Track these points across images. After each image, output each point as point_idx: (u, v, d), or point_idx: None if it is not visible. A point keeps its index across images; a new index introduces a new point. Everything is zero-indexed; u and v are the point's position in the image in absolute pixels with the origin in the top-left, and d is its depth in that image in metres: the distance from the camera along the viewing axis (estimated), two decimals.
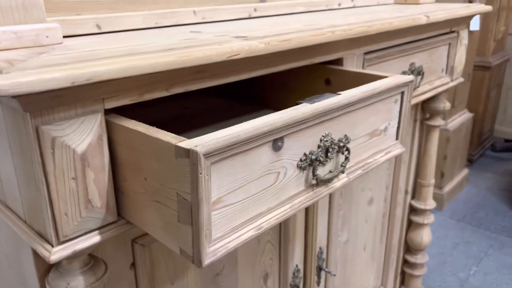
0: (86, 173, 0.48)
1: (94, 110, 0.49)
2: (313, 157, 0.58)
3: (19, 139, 0.47)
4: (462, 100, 2.44)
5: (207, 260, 0.46)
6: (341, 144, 0.62)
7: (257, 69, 0.65)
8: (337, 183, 0.64)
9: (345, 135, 0.63)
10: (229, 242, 0.49)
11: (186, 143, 0.43)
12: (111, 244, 0.62)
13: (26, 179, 0.49)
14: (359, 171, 0.68)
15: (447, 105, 1.28)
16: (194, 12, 0.77)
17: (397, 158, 1.30)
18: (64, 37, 0.63)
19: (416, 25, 0.92)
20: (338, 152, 0.63)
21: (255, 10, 0.87)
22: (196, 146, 0.42)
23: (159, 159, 0.46)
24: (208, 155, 0.43)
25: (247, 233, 0.51)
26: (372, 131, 0.69)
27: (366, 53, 0.87)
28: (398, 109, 0.74)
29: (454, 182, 2.46)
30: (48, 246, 0.49)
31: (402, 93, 0.74)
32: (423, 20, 0.94)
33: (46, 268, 0.56)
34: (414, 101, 1.07)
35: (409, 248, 1.47)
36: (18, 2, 0.51)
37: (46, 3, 0.60)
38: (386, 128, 0.73)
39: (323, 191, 0.61)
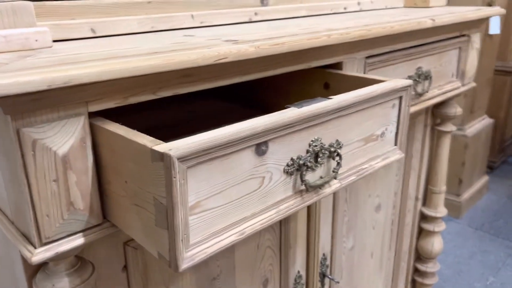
0: (68, 175, 0.49)
1: (77, 113, 0.49)
2: (301, 162, 0.57)
3: (2, 140, 0.48)
4: (481, 106, 2.38)
5: (184, 265, 0.46)
6: (332, 149, 0.61)
7: (250, 73, 0.65)
8: (328, 189, 0.62)
9: (337, 140, 0.62)
10: (208, 247, 0.48)
11: (161, 146, 0.43)
12: (103, 247, 0.63)
13: (11, 180, 0.50)
14: (352, 177, 0.66)
15: (458, 110, 1.25)
16: (192, 16, 0.77)
17: (406, 164, 1.27)
18: (58, 41, 0.64)
19: (420, 29, 0.90)
20: (329, 157, 0.62)
21: (255, 14, 0.87)
22: (170, 149, 0.42)
23: (136, 162, 0.46)
24: (183, 159, 0.43)
25: (229, 238, 0.51)
26: (367, 136, 0.68)
27: (368, 57, 0.86)
28: (396, 114, 0.73)
29: (473, 189, 2.40)
30: (31, 247, 0.49)
31: (400, 97, 0.72)
32: (428, 24, 0.92)
33: (34, 269, 0.57)
34: (422, 106, 1.05)
35: (420, 256, 1.44)
36: (7, 7, 0.52)
37: (39, 7, 0.62)
38: (383, 133, 0.71)
39: (313, 196, 0.60)
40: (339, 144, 0.63)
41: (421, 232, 1.41)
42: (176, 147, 0.43)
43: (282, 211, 0.57)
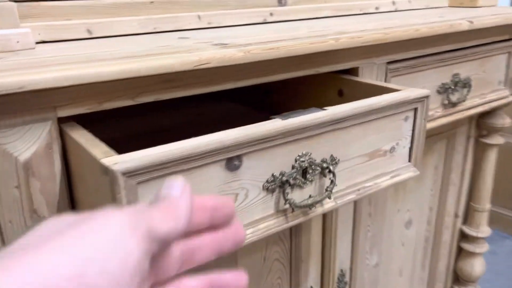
0: (30, 182, 0.47)
1: (44, 118, 0.47)
2: (284, 178, 0.52)
3: None
4: None
5: None
6: (324, 166, 0.56)
7: (243, 78, 0.60)
8: (319, 209, 0.57)
9: (331, 156, 0.57)
10: None
11: (109, 159, 0.40)
12: None
13: None
14: (351, 196, 0.60)
15: (506, 121, 1.13)
16: (199, 17, 0.74)
17: (444, 178, 1.17)
18: (51, 42, 0.63)
19: (454, 32, 0.81)
20: (321, 174, 0.56)
21: (271, 14, 0.83)
22: (116, 163, 0.39)
23: (92, 173, 0.44)
24: (131, 173, 0.40)
25: None
26: (372, 151, 0.62)
27: (390, 63, 0.78)
28: (410, 128, 0.66)
29: None
30: None
31: (415, 109, 0.65)
32: (464, 26, 0.83)
33: None
34: (458, 116, 0.96)
35: (459, 278, 1.32)
36: None
37: (34, 8, 0.61)
38: (393, 148, 0.64)
39: (299, 216, 0.55)
40: (334, 159, 0.57)
41: (461, 252, 1.30)
42: (124, 160, 0.40)
43: (261, 230, 0.52)
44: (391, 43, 0.73)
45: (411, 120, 0.65)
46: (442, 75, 0.90)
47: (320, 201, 0.56)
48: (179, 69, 0.51)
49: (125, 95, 0.52)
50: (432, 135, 1.07)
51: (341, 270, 1.00)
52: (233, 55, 0.54)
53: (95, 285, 0.20)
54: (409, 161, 0.68)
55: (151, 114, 0.92)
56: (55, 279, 0.19)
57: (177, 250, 0.28)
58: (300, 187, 0.55)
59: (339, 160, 0.58)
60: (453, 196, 1.21)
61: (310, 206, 0.55)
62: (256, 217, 0.52)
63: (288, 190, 0.53)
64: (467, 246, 1.26)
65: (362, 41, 0.67)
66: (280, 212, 0.54)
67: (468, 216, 1.27)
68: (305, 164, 0.54)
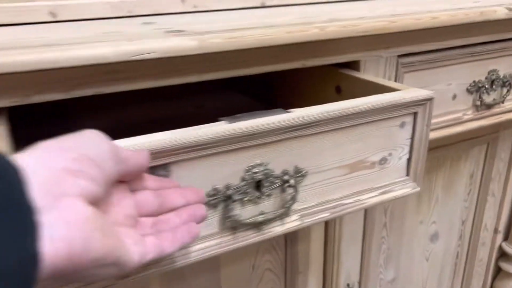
0: None
1: None
2: (229, 192, 0.44)
3: None
4: None
5: None
6: (286, 178, 0.47)
7: (208, 71, 0.53)
8: (278, 228, 0.49)
9: (296, 167, 0.48)
10: None
11: None
12: None
13: None
14: (324, 214, 0.51)
15: None
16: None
17: (482, 188, 1.03)
18: (13, 25, 0.59)
19: (486, 20, 0.68)
20: (282, 187, 0.48)
21: None
22: None
23: None
24: None
25: None
26: (354, 162, 0.52)
27: (401, 56, 0.67)
28: (408, 136, 0.55)
29: None
30: None
31: (415, 114, 0.54)
32: (500, 14, 0.69)
33: None
34: (494, 120, 0.82)
35: None
36: None
37: None
38: (384, 159, 0.54)
39: (250, 236, 0.47)
40: (300, 171, 0.48)
41: (499, 272, 1.15)
42: None
43: (196, 253, 0.45)
44: (401, 33, 0.62)
45: (409, 127, 0.54)
46: (474, 71, 0.77)
47: (274, 219, 0.47)
48: (115, 60, 0.44)
49: (56, 87, 0.46)
50: (468, 139, 0.93)
51: (348, 285, 0.90)
52: (184, 44, 0.47)
53: (93, 159, 0.31)
54: (407, 174, 0.57)
55: (149, 104, 0.87)
56: (67, 157, 0.30)
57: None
58: (255, 202, 0.47)
59: (307, 172, 0.49)
60: (493, 209, 1.06)
61: (260, 224, 0.46)
62: None
63: (234, 205, 0.45)
64: (505, 265, 1.11)
65: (358, 30, 0.57)
66: (226, 230, 0.46)
67: (510, 232, 1.11)
68: (259, 176, 0.45)
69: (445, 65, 0.73)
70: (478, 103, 0.78)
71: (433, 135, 0.74)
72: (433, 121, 0.77)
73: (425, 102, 0.53)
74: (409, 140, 0.55)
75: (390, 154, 0.54)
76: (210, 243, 0.45)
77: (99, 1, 0.62)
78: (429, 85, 0.72)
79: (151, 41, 0.46)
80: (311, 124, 0.46)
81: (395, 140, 0.54)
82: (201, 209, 0.40)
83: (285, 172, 0.47)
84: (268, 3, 0.74)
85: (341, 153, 0.51)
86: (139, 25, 0.57)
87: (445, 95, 0.75)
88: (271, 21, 0.59)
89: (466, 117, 0.78)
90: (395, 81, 0.69)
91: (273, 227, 0.48)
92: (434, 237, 1.00)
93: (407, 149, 0.55)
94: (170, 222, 0.38)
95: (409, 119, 0.54)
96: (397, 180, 0.56)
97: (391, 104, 0.50)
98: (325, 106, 0.47)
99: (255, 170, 0.45)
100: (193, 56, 0.48)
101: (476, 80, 0.77)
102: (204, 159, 0.43)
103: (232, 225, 0.45)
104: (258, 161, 0.45)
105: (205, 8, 0.69)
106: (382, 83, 0.59)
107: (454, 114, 0.78)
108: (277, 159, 0.46)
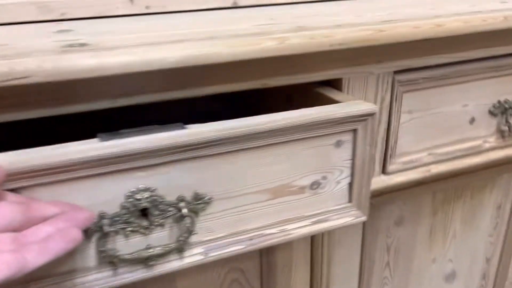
0: None
1: None
2: (104, 222, 0.37)
3: None
4: None
5: None
6: (181, 205, 0.40)
7: (107, 97, 0.43)
8: (175, 263, 0.41)
9: (195, 192, 0.40)
10: None
11: None
12: None
13: None
14: (238, 246, 0.43)
15: None
16: None
17: (511, 222, 0.90)
18: None
19: (508, 28, 0.56)
20: (176, 216, 0.40)
21: None
22: None
23: None
24: None
25: None
26: (276, 186, 0.44)
27: (398, 72, 0.56)
28: (347, 156, 0.46)
29: None
30: None
31: (354, 131, 0.45)
32: None
33: None
34: None
35: None
36: None
37: None
38: (316, 183, 0.46)
39: (138, 272, 0.40)
40: (201, 197, 0.41)
41: None
42: None
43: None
44: (396, 44, 0.51)
45: (348, 146, 0.46)
46: (499, 89, 0.64)
47: (166, 254, 0.40)
48: None
49: None
50: (496, 166, 0.79)
51: None
52: (83, 62, 0.38)
53: None
54: (350, 201, 0.48)
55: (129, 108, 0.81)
56: None
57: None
58: (143, 233, 0.40)
59: (211, 198, 0.41)
60: None
61: (147, 260, 0.39)
62: (64, 269, 0.38)
63: (109, 237, 0.38)
64: None
65: (331, 42, 0.46)
66: (103, 265, 0.39)
67: None
68: (143, 204, 0.38)
69: (458, 82, 0.60)
70: (505, 128, 0.66)
71: (443, 167, 0.64)
72: (445, 150, 0.65)
73: (366, 118, 0.44)
74: (350, 162, 0.46)
75: (324, 178, 0.46)
76: (87, 278, 0.39)
77: (20, 1, 0.56)
78: (438, 106, 0.61)
79: (28, 60, 0.38)
80: (210, 144, 0.39)
81: (330, 161, 0.45)
82: (83, 212, 0.35)
83: (180, 199, 0.40)
84: (240, 4, 0.65)
85: (260, 176, 0.43)
86: (50, 33, 0.50)
87: (460, 118, 0.63)
88: (226, 28, 0.50)
89: (488, 145, 0.66)
90: (391, 102, 0.58)
91: (168, 261, 0.41)
92: (450, 277, 0.89)
93: (347, 171, 0.47)
94: (40, 233, 0.33)
95: (347, 137, 0.45)
96: (335, 207, 0.47)
97: (319, 120, 0.42)
98: (228, 123, 0.39)
99: (137, 196, 0.38)
100: (93, 79, 0.40)
101: (502, 99, 0.65)
102: (72, 182, 0.36)
103: (109, 260, 0.38)
104: (141, 186, 0.38)
105: (161, 9, 0.61)
106: (329, 94, 0.50)
107: (472, 142, 0.66)
108: (170, 184, 0.39)
